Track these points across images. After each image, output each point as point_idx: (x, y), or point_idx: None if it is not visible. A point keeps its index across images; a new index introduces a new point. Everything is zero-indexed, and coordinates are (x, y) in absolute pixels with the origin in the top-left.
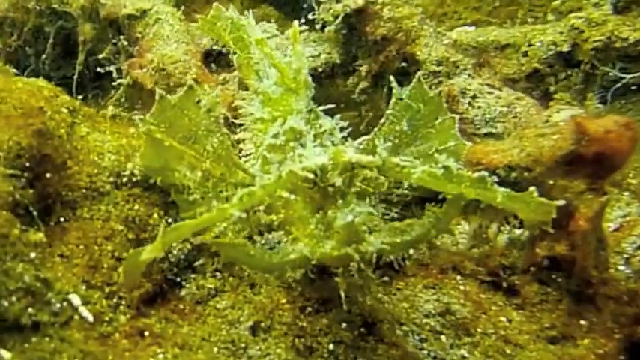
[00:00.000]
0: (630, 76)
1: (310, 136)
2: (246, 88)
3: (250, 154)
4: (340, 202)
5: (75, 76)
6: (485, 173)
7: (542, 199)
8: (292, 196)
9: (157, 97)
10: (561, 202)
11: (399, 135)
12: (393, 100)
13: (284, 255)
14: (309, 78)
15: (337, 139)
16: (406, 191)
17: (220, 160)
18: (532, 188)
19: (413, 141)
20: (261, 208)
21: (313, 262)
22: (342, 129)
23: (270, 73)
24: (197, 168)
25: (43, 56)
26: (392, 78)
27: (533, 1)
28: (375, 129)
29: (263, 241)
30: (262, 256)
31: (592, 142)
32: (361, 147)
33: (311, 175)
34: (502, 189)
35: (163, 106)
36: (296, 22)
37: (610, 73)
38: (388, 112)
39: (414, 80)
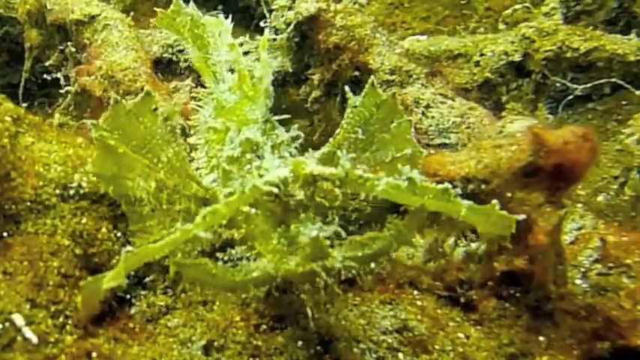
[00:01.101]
0: (582, 87)
1: (267, 147)
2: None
3: (202, 163)
4: (302, 215)
5: (21, 84)
6: (449, 185)
7: (504, 213)
8: (253, 210)
9: (111, 102)
10: (522, 217)
11: (354, 142)
12: (348, 109)
13: (247, 273)
14: (271, 88)
15: (294, 149)
16: (364, 204)
17: (174, 171)
18: (494, 201)
19: (368, 147)
20: (222, 222)
21: (278, 279)
22: (296, 138)
23: (226, 77)
24: (151, 178)
25: None
26: (347, 88)
27: (480, 12)
28: (331, 139)
29: (225, 257)
30: (225, 274)
31: (550, 153)
32: (321, 158)
33: (275, 189)
34: (465, 201)
35: (117, 112)
36: (266, 32)
37: (560, 84)
38: (343, 121)
39: (367, 85)
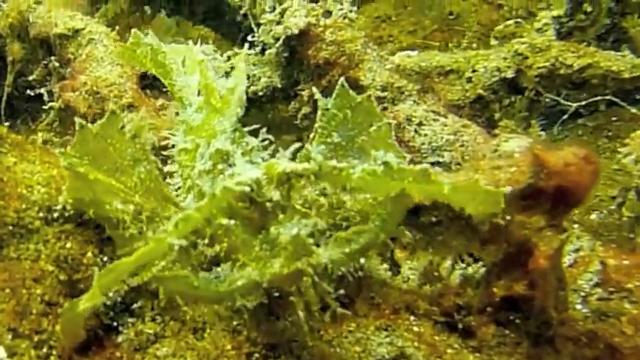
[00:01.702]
0: (576, 104)
1: (238, 154)
2: None
3: (179, 187)
4: (281, 216)
5: (3, 98)
6: (428, 165)
7: (490, 188)
8: (232, 222)
9: (77, 127)
10: (509, 189)
11: (333, 147)
12: (320, 112)
13: (231, 282)
14: (244, 97)
15: (266, 154)
16: (352, 212)
17: (150, 193)
18: (477, 177)
19: (349, 153)
20: (204, 241)
21: (264, 286)
22: (270, 143)
23: (193, 101)
24: (128, 201)
25: None
26: (315, 89)
27: (471, 27)
28: (306, 144)
29: (212, 276)
30: (208, 286)
31: (552, 175)
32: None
33: (247, 189)
34: (447, 180)
35: (85, 136)
36: (245, 47)
37: (552, 100)
38: (317, 125)
39: (338, 87)
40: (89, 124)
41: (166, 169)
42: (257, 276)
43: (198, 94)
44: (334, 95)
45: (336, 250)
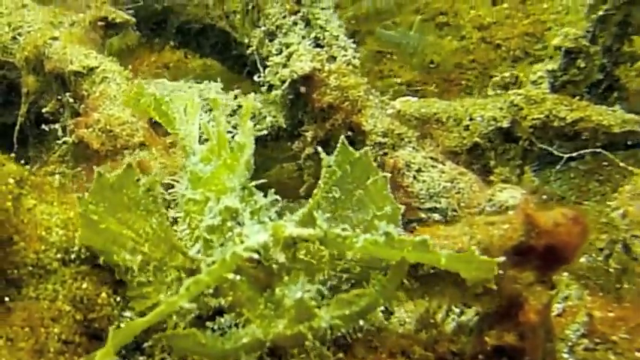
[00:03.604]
0: (567, 155)
1: (247, 213)
2: None
3: (185, 235)
4: (286, 278)
5: (16, 128)
6: (427, 236)
7: (484, 257)
8: (237, 277)
9: (95, 176)
10: (502, 259)
11: (333, 202)
12: (323, 169)
13: (237, 340)
14: (252, 160)
15: (273, 214)
16: (352, 263)
17: (160, 242)
18: (473, 247)
19: (349, 206)
20: (209, 291)
21: (267, 344)
22: (274, 203)
23: (196, 150)
24: (136, 251)
25: None
26: (320, 149)
27: (465, 65)
28: (310, 200)
29: (215, 326)
30: (215, 343)
31: (542, 234)
32: (299, 220)
33: (255, 255)
34: (444, 251)
35: (102, 185)
36: (251, 97)
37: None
38: (320, 181)
39: (339, 144)
40: (107, 174)
41: (170, 213)
42: (261, 334)
43: (200, 139)
44: (335, 153)
45: (337, 311)
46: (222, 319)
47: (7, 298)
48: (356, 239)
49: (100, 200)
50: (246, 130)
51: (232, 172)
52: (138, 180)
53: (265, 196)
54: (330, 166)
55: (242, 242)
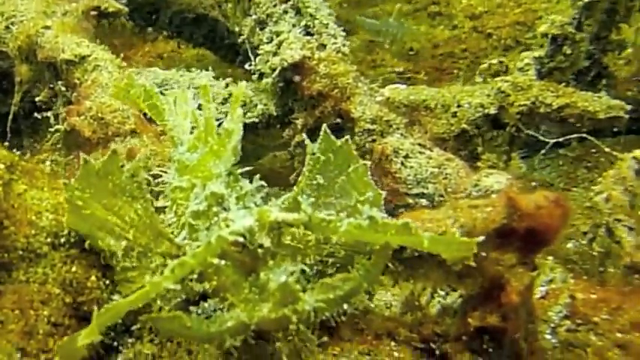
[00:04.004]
0: (554, 140)
1: (232, 199)
2: None
3: (172, 224)
4: (271, 262)
5: (9, 117)
6: (409, 220)
7: (464, 239)
8: (222, 262)
9: (81, 162)
10: (481, 238)
11: (317, 189)
12: (307, 156)
13: (221, 323)
14: (239, 147)
15: (259, 199)
16: (337, 247)
17: (145, 229)
18: (454, 229)
19: (332, 193)
20: (193, 276)
21: (252, 328)
22: (260, 189)
23: (183, 140)
24: (121, 237)
25: None
26: (304, 136)
27: (457, 54)
28: (295, 186)
29: (199, 311)
30: (200, 326)
31: (524, 217)
32: (284, 205)
33: (240, 239)
34: (426, 233)
35: (88, 171)
36: (243, 84)
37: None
38: (305, 168)
39: (322, 133)
40: (92, 160)
41: (157, 204)
42: (245, 318)
43: (192, 130)
44: (319, 141)
45: (321, 295)
46: (207, 304)
47: None
48: (340, 223)
49: (86, 186)
50: (235, 116)
51: (219, 158)
52: (122, 166)
53: (251, 182)
54: (314, 154)
55: (227, 227)
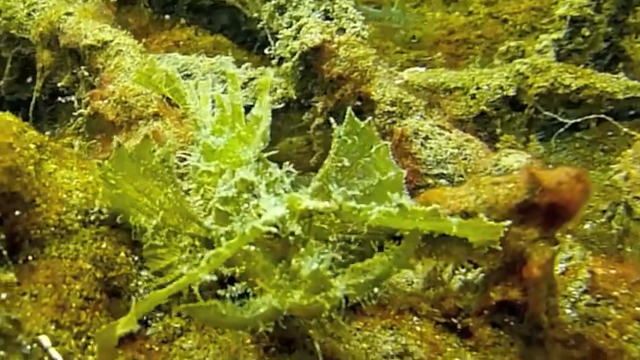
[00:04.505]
0: (572, 121)
1: (262, 185)
2: None
3: (199, 206)
4: (302, 249)
5: (32, 102)
6: (438, 206)
7: (491, 223)
8: (252, 248)
9: (114, 145)
10: (507, 222)
11: (341, 170)
12: (334, 139)
13: (254, 310)
14: (268, 132)
15: (288, 185)
16: (361, 227)
17: (175, 212)
18: (481, 215)
19: (355, 174)
20: None
21: (284, 313)
22: (289, 173)
23: (207, 123)
24: (152, 217)
25: (1, 82)
26: (332, 120)
27: (472, 40)
28: (321, 169)
29: (228, 294)
30: (234, 314)
31: (545, 192)
32: (314, 193)
33: (274, 229)
34: (454, 219)
35: (121, 154)
36: (271, 72)
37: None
38: (331, 151)
39: (346, 116)
40: (125, 144)
41: (183, 186)
42: (277, 304)
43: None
44: (344, 124)
45: (352, 280)
46: (234, 287)
47: (30, 257)
48: (370, 211)
49: (119, 168)
50: (263, 103)
51: (247, 144)
52: (154, 151)
53: (280, 167)
54: (339, 137)
55: (259, 215)
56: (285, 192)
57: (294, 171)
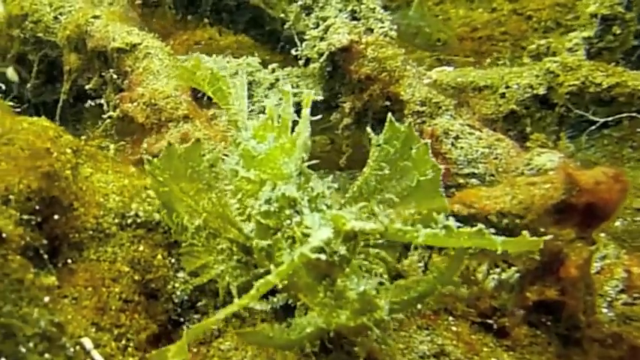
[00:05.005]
0: (603, 120)
1: (305, 202)
2: None
3: (235, 211)
4: (347, 270)
5: (59, 105)
6: (482, 226)
7: (533, 239)
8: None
9: (165, 145)
10: (549, 237)
11: (381, 177)
12: (372, 148)
13: (301, 330)
14: (309, 143)
15: (329, 200)
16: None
17: (217, 216)
18: (525, 232)
19: (393, 176)
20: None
21: (330, 333)
22: (331, 187)
23: (248, 125)
24: (194, 217)
25: (28, 84)
26: (369, 129)
27: (497, 37)
28: (360, 177)
29: (268, 306)
30: (282, 335)
31: (583, 192)
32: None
33: (323, 257)
34: (499, 237)
35: (170, 154)
36: (311, 92)
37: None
38: (370, 159)
39: (387, 122)
40: (176, 145)
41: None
42: (323, 324)
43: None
44: (384, 131)
45: (396, 298)
46: (274, 299)
47: (70, 261)
48: (417, 234)
49: (167, 167)
50: (304, 117)
51: (288, 157)
52: (203, 155)
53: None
54: (379, 145)
55: (304, 234)
56: (327, 207)
57: (335, 186)
